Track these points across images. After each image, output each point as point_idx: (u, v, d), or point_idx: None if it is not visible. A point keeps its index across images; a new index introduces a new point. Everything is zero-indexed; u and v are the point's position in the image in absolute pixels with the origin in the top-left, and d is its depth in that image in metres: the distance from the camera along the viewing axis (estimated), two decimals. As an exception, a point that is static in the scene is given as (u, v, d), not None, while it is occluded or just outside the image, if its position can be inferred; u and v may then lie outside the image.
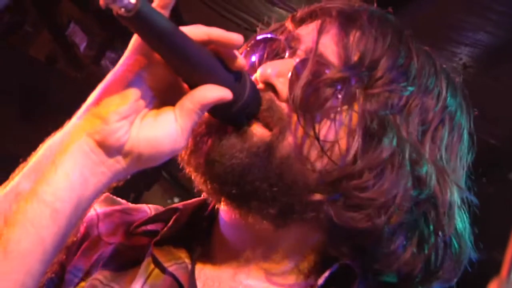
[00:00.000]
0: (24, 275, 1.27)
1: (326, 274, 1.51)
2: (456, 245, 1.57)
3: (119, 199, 1.80)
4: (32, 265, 1.28)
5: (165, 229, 1.62)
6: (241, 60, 1.43)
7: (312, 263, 1.58)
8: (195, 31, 1.37)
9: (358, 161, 1.47)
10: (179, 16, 5.03)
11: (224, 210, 1.59)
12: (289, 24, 1.68)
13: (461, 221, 1.59)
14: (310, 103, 1.48)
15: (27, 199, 1.28)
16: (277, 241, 1.56)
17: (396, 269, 1.52)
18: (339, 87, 1.50)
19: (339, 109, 1.50)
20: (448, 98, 1.61)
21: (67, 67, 5.33)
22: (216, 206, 1.63)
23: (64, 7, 5.21)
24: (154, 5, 1.33)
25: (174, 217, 1.64)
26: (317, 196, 1.48)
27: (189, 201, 1.69)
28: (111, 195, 1.77)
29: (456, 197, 1.57)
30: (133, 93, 1.36)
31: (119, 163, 1.36)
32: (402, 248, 1.51)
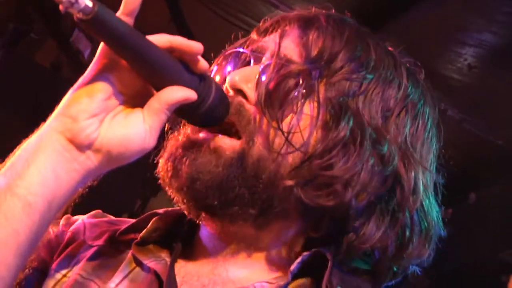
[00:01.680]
0: None
1: (298, 260, 1.57)
2: (424, 222, 1.65)
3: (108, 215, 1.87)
4: (6, 257, 1.31)
5: (145, 230, 1.69)
6: (203, 63, 1.49)
7: (293, 252, 1.64)
8: (158, 39, 1.43)
9: (320, 143, 1.56)
10: (182, 20, 5.04)
11: (205, 224, 1.66)
12: (254, 36, 1.78)
13: (427, 199, 1.67)
14: (273, 98, 1.57)
15: (1, 194, 1.33)
16: (258, 240, 1.63)
17: (370, 247, 1.58)
18: (300, 80, 1.59)
19: (301, 100, 1.59)
20: (409, 88, 1.68)
21: (72, 73, 5.34)
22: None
23: (69, 15, 5.23)
24: (119, 12, 1.38)
25: (154, 219, 1.71)
26: (288, 182, 1.55)
27: (171, 209, 1.75)
28: (101, 212, 1.86)
29: (422, 178, 1.65)
30: (102, 94, 1.41)
31: (90, 160, 1.41)
32: (375, 225, 1.59)
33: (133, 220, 1.80)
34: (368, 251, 1.60)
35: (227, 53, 1.76)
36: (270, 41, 1.70)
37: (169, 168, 1.60)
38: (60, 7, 1.29)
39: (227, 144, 1.57)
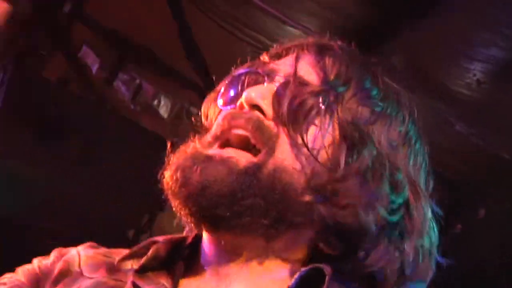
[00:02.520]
0: None
1: (296, 276, 1.57)
2: (428, 249, 1.69)
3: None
4: None
5: (145, 258, 1.67)
6: None
7: (297, 266, 1.64)
8: None
9: (342, 166, 1.59)
10: (189, 35, 5.05)
11: (210, 239, 1.66)
12: (265, 58, 1.80)
13: (432, 229, 1.72)
14: (296, 115, 1.60)
15: None
16: (265, 253, 1.63)
17: (377, 269, 1.60)
18: (320, 99, 1.62)
19: (322, 119, 1.61)
20: (410, 125, 1.74)
21: (80, 88, 5.36)
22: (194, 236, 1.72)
23: (77, 30, 5.25)
24: None
25: (153, 247, 1.70)
26: (307, 198, 1.57)
27: (170, 236, 1.75)
28: (95, 243, 1.84)
29: (426, 208, 1.70)
30: None
31: None
32: (384, 249, 1.61)
33: (126, 251, 1.78)
34: (373, 273, 1.62)
35: (235, 73, 1.76)
36: (283, 64, 1.72)
37: (178, 178, 1.59)
38: None
39: (240, 155, 1.58)
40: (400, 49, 4.70)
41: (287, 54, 1.77)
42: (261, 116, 1.61)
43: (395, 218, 1.62)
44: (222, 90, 1.74)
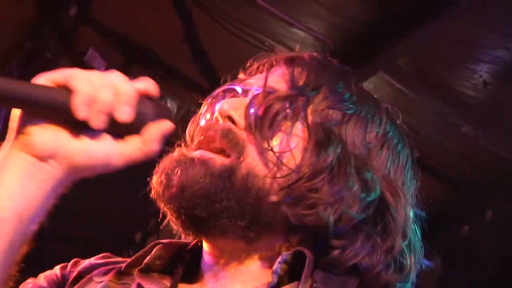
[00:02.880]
0: None
1: (279, 259, 1.63)
2: (413, 250, 1.73)
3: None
4: None
5: (149, 257, 1.77)
6: None
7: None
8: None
9: (309, 166, 1.65)
10: (195, 37, 5.05)
11: (204, 244, 1.75)
12: (242, 76, 1.89)
13: (413, 230, 1.76)
14: (262, 121, 1.66)
15: None
16: (248, 255, 1.70)
17: (356, 263, 1.65)
18: (287, 103, 1.69)
19: (289, 122, 1.69)
20: (389, 127, 1.79)
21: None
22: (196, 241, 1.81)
23: (83, 33, 5.25)
24: None
25: (157, 247, 1.80)
26: (274, 198, 1.64)
27: (174, 240, 1.84)
28: (109, 254, 1.94)
29: (408, 209, 1.74)
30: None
31: (55, 169, 1.45)
32: (361, 245, 1.66)
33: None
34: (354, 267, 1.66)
35: (215, 93, 1.85)
36: (256, 79, 1.81)
37: (162, 180, 1.68)
38: None
39: (217, 158, 1.66)
40: (406, 51, 4.70)
41: (260, 70, 1.85)
42: (231, 125, 1.70)
43: (366, 215, 1.67)
44: (203, 111, 1.84)
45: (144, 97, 1.53)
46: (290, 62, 1.80)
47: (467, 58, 4.54)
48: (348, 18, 4.62)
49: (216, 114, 1.73)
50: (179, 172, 1.65)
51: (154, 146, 1.53)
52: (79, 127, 1.47)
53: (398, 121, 1.85)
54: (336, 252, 1.64)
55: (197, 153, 1.68)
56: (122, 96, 1.47)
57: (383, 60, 4.70)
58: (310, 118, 1.69)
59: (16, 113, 1.47)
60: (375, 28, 4.57)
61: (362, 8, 4.58)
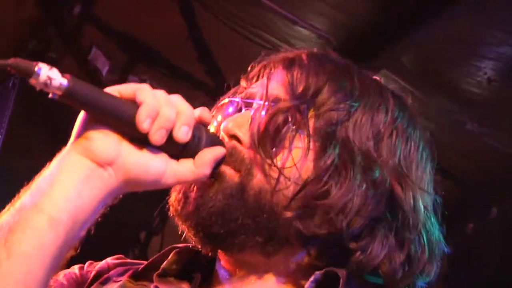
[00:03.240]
0: (25, 276, 1.39)
1: (311, 279, 1.64)
2: (428, 240, 1.72)
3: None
4: (32, 267, 1.40)
5: (166, 261, 1.79)
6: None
7: (305, 278, 1.69)
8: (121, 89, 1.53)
9: (312, 173, 1.66)
10: (199, 36, 5.05)
11: (220, 257, 1.76)
12: (243, 83, 1.89)
13: (429, 219, 1.74)
14: (265, 137, 1.66)
15: (27, 210, 1.43)
16: (268, 269, 1.71)
17: (378, 264, 1.65)
18: (289, 116, 1.69)
19: (293, 134, 1.68)
20: (397, 112, 1.77)
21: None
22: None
23: (87, 32, 5.25)
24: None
25: (173, 251, 1.81)
26: (287, 214, 1.63)
27: (191, 245, 1.83)
28: (123, 256, 1.96)
29: (420, 198, 1.72)
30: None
31: (111, 178, 1.49)
32: (380, 244, 1.66)
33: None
34: (377, 269, 1.66)
35: (219, 104, 1.86)
36: (258, 86, 1.80)
37: (180, 198, 1.70)
38: (37, 88, 1.42)
39: (227, 171, 1.66)
40: (410, 49, 4.69)
41: (261, 75, 1.85)
42: (237, 144, 1.70)
43: (379, 213, 1.66)
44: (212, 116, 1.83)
45: (199, 124, 1.59)
46: (289, 65, 1.79)
47: (471, 55, 4.53)
48: (352, 16, 4.61)
49: (221, 133, 1.73)
50: (194, 188, 1.67)
51: (206, 170, 1.57)
52: (138, 141, 1.51)
53: (406, 104, 1.84)
54: (357, 255, 1.64)
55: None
56: (182, 116, 1.52)
57: (386, 58, 4.69)
58: (312, 125, 1.69)
59: (80, 116, 1.51)
60: (378, 25, 4.56)
61: (365, 6, 4.57)
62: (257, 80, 1.85)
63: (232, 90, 1.90)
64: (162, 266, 1.78)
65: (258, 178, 1.65)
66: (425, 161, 1.79)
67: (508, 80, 4.65)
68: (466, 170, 5.33)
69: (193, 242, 1.73)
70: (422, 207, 1.71)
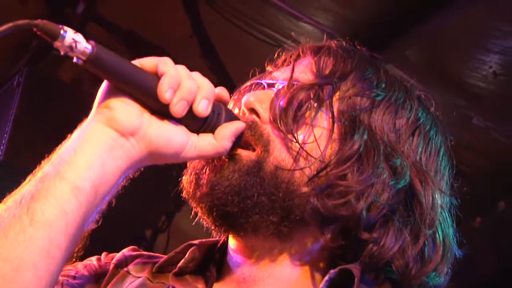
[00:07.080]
0: (49, 243, 1.38)
1: (326, 278, 1.63)
2: (442, 239, 1.72)
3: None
4: (55, 235, 1.39)
5: (182, 260, 1.79)
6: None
7: (317, 268, 1.71)
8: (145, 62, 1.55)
9: (335, 154, 1.65)
10: (204, 33, 5.04)
11: (232, 242, 1.76)
12: (270, 68, 1.90)
13: (445, 221, 1.74)
14: (287, 113, 1.66)
15: (50, 179, 1.42)
16: (282, 254, 1.70)
17: (391, 257, 1.64)
18: (311, 93, 1.68)
19: (314, 113, 1.68)
20: (420, 113, 1.78)
21: (93, 88, 5.35)
22: (223, 240, 1.82)
23: (90, 30, 5.25)
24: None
25: (190, 249, 1.81)
26: (305, 189, 1.63)
27: (205, 239, 1.86)
28: (137, 247, 1.97)
29: (438, 197, 1.72)
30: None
31: (134, 148, 1.49)
32: (394, 237, 1.65)
33: (164, 256, 1.87)
34: (391, 264, 1.66)
35: (242, 88, 1.88)
36: (283, 71, 1.81)
37: (192, 179, 1.70)
38: (61, 52, 1.43)
39: (243, 153, 1.66)
40: (415, 43, 4.68)
41: (289, 61, 1.86)
42: (256, 118, 1.70)
43: (396, 204, 1.66)
44: (231, 106, 1.81)
45: (218, 101, 1.60)
46: (317, 51, 1.80)
47: (477, 49, 4.52)
48: (356, 11, 4.61)
49: (242, 107, 1.74)
50: (207, 170, 1.67)
51: (226, 144, 1.58)
52: (159, 113, 1.51)
53: (431, 109, 1.84)
54: (369, 247, 1.64)
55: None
56: (203, 90, 1.54)
57: (392, 53, 4.68)
58: (336, 106, 1.68)
59: (102, 86, 1.52)
60: (383, 20, 4.55)
61: (370, 1, 4.57)
62: (282, 66, 1.86)
63: (256, 76, 1.91)
64: (179, 265, 1.78)
65: (275, 155, 1.65)
66: (444, 167, 1.80)
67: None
68: (472, 164, 5.32)
69: (207, 224, 1.72)
70: (439, 206, 1.71)
